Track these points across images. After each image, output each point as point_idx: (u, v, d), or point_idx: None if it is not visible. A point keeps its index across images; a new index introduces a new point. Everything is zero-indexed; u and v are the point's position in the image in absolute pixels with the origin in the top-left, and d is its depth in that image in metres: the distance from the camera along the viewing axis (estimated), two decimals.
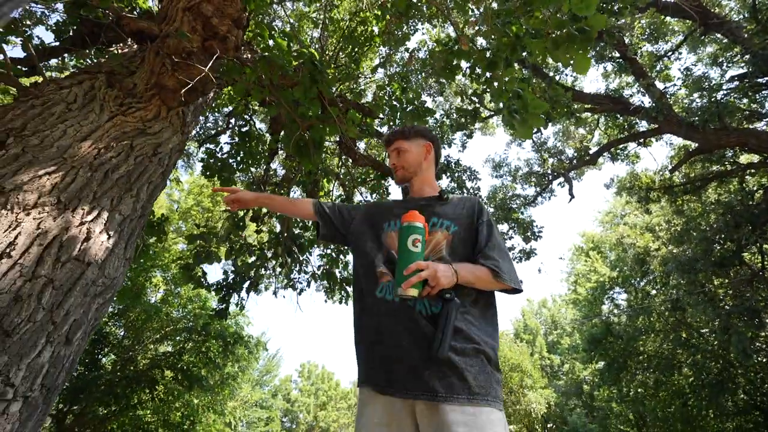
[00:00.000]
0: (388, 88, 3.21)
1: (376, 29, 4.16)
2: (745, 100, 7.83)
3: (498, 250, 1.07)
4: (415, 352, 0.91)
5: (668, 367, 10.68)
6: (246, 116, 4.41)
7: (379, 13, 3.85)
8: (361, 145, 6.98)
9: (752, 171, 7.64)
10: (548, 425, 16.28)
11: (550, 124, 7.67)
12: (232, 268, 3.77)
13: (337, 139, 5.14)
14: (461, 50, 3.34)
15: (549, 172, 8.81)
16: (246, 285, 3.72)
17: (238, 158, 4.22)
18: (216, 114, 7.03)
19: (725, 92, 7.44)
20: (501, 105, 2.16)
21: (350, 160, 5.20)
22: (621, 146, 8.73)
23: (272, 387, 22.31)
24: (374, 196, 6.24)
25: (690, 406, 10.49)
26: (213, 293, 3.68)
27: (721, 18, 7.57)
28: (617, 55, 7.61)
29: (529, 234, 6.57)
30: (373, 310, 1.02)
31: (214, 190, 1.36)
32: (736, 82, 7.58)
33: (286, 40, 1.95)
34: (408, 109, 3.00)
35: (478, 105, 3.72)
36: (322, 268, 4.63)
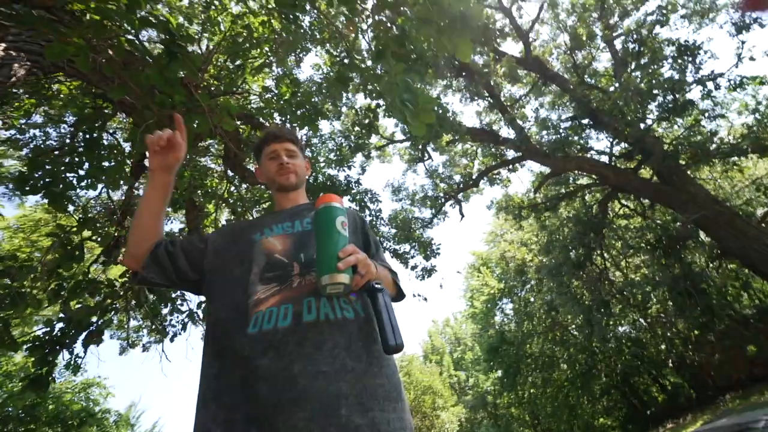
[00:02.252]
0: (274, 89, 2.92)
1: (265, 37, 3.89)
2: (576, 137, 9.93)
3: (385, 257, 1.02)
4: (321, 383, 0.65)
5: (550, 365, 12.15)
6: (96, 122, 3.52)
7: (266, 19, 3.61)
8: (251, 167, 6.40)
9: (589, 190, 9.60)
10: None
11: (439, 147, 8.38)
12: (61, 315, 2.75)
13: (222, 153, 4.55)
14: (353, 63, 3.32)
15: (441, 195, 9.55)
16: (83, 336, 2.72)
17: (81, 172, 3.29)
18: (62, 128, 5.60)
19: (563, 130, 9.34)
20: (393, 100, 2.08)
21: (237, 179, 4.62)
22: (495, 172, 10.08)
23: None
24: None
25: (570, 396, 12.00)
26: (26, 354, 2.59)
27: (554, 73, 9.67)
28: (487, 93, 8.91)
29: (428, 252, 6.82)
30: (243, 359, 0.71)
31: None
32: (570, 123, 9.63)
33: None
34: (299, 112, 2.75)
35: (372, 118, 3.71)
36: (204, 305, 3.82)
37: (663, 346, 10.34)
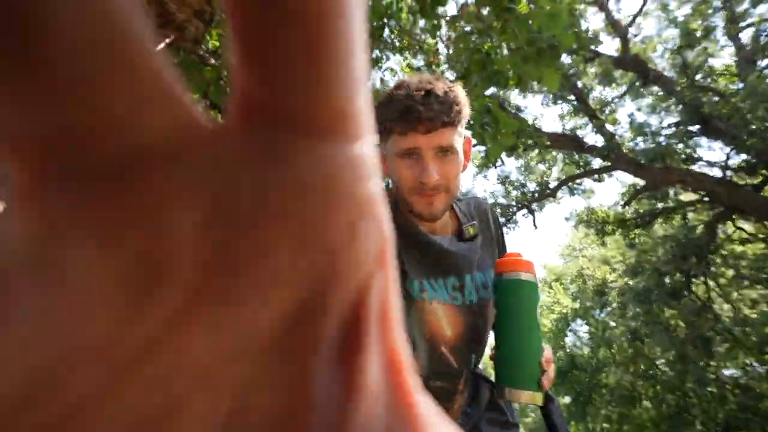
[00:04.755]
0: None
1: None
2: (680, 145, 8.70)
3: None
4: None
5: (630, 400, 10.86)
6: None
7: None
8: None
9: (692, 208, 8.36)
10: None
11: (515, 153, 8.07)
12: None
13: None
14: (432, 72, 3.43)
15: (513, 203, 9.16)
16: None
17: None
18: None
19: (664, 137, 8.27)
20: (473, 121, 2.15)
21: None
22: (578, 181, 9.31)
23: None
24: None
25: None
26: None
27: (657, 72, 8.58)
28: (572, 97, 8.30)
29: None
30: None
31: None
32: (673, 129, 8.48)
33: None
34: None
35: None
36: None
37: None
